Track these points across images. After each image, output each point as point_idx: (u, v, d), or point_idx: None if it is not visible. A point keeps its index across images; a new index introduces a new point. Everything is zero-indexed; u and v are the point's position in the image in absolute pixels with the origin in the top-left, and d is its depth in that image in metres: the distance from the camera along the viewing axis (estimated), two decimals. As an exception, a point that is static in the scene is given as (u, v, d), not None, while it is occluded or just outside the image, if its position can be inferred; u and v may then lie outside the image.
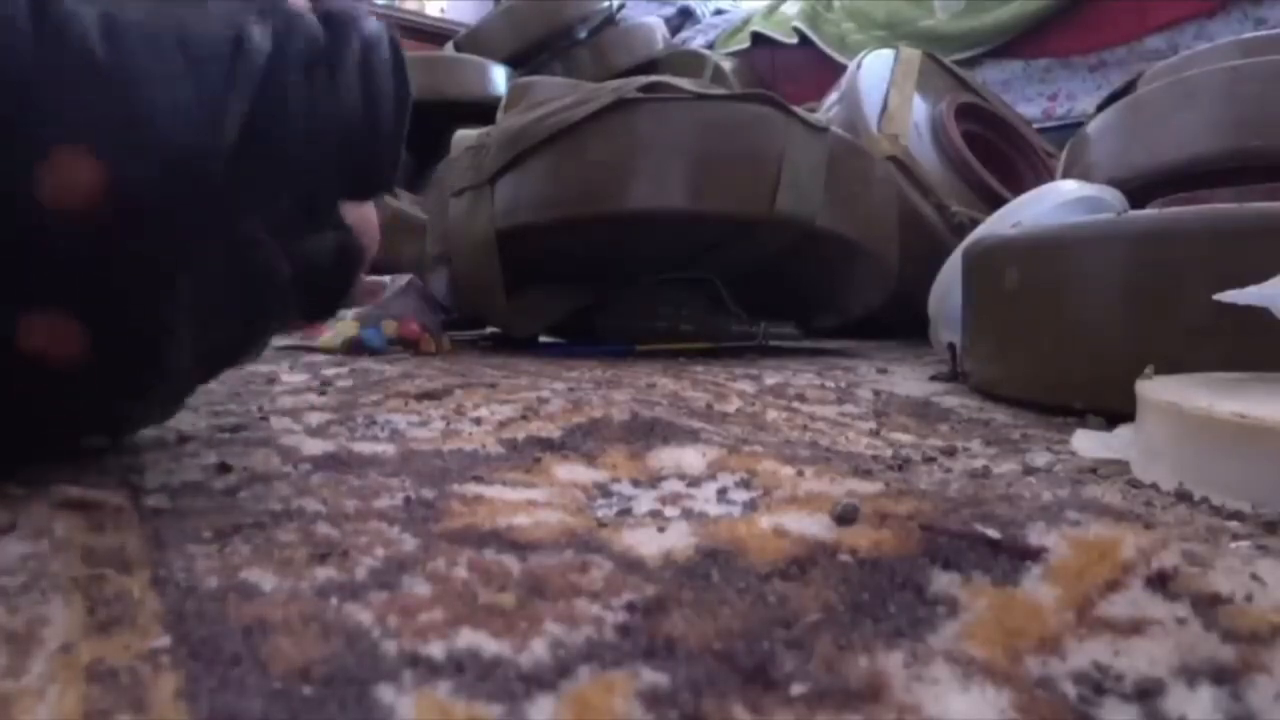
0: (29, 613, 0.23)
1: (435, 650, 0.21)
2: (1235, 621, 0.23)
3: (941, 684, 0.20)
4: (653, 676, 0.20)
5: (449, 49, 2.30)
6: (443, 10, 3.39)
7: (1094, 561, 0.27)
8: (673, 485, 0.38)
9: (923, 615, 0.24)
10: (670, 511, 0.34)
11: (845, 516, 0.31)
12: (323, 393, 0.64)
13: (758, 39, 2.33)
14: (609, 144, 0.93)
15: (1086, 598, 0.24)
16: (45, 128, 0.30)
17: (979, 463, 0.42)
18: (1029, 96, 1.82)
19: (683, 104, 0.95)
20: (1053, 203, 0.80)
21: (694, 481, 0.39)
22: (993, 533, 0.29)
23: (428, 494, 0.35)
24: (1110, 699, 0.20)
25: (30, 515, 0.31)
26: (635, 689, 0.20)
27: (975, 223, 1.00)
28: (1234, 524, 0.32)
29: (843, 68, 1.55)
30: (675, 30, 2.63)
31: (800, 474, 0.39)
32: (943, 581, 0.26)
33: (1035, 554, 0.27)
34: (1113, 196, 0.81)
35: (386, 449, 0.44)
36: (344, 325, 1.01)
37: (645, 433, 0.48)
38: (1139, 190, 0.85)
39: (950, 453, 0.45)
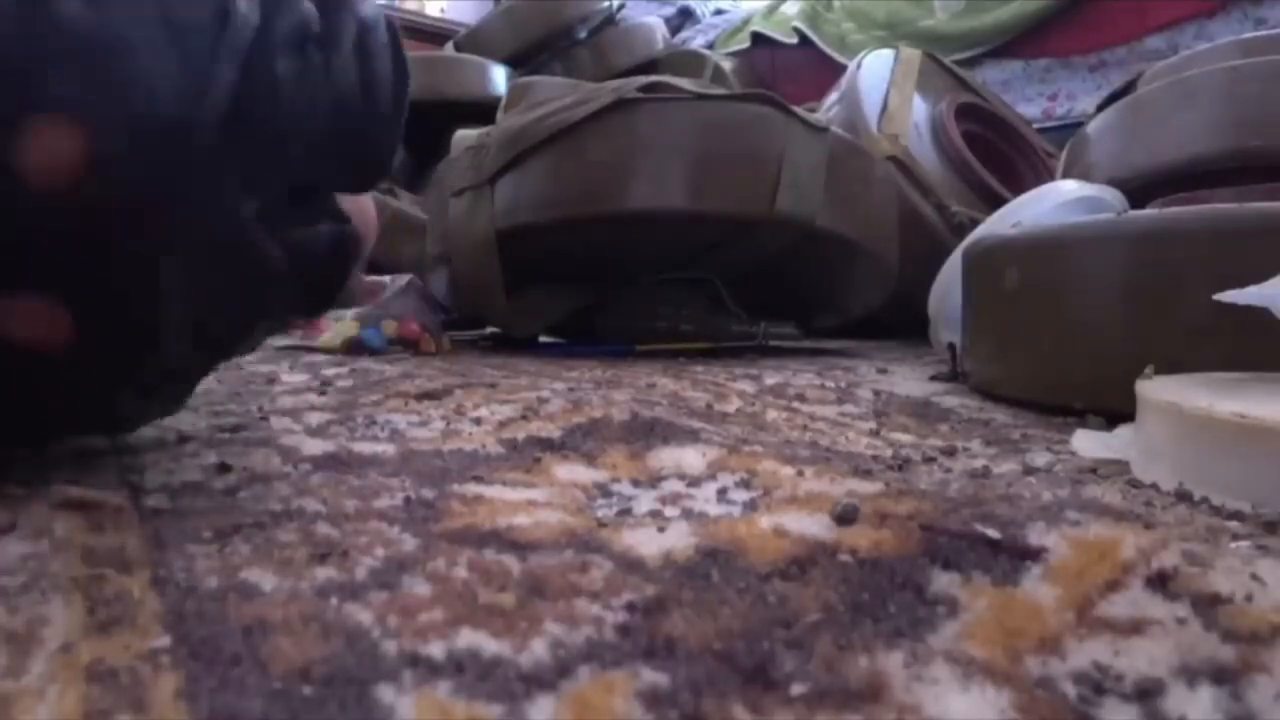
0: (29, 613, 0.23)
1: (435, 650, 0.21)
2: (1235, 621, 0.23)
3: (941, 684, 0.20)
4: (653, 676, 0.20)
5: (449, 49, 2.30)
6: (443, 10, 3.39)
7: (1094, 561, 0.27)
8: (673, 485, 0.38)
9: (923, 615, 0.24)
10: (670, 511, 0.34)
11: (845, 516, 0.31)
12: (323, 393, 0.64)
13: (758, 39, 2.33)
14: (609, 144, 0.93)
15: (1086, 598, 0.24)
16: (26, 99, 0.29)
17: (979, 463, 0.42)
18: (1029, 96, 1.82)
19: (683, 104, 0.95)
20: (1053, 203, 0.80)
21: (694, 481, 0.39)
22: (993, 533, 0.29)
23: (428, 494, 0.35)
24: (1110, 699, 0.20)
25: (30, 515, 0.31)
26: (635, 689, 0.20)
27: (975, 223, 1.00)
28: (1234, 524, 0.32)
29: (843, 68, 1.55)
30: (675, 30, 2.63)
31: (800, 474, 0.39)
32: (943, 581, 0.26)
33: (1035, 554, 0.27)
34: (1113, 196, 0.81)
35: (386, 449, 0.44)
36: (344, 325, 1.01)
37: (645, 433, 0.48)
38: (1139, 190, 0.85)
39: (950, 453, 0.45)
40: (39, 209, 0.30)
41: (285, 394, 0.63)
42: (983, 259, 0.69)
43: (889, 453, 0.45)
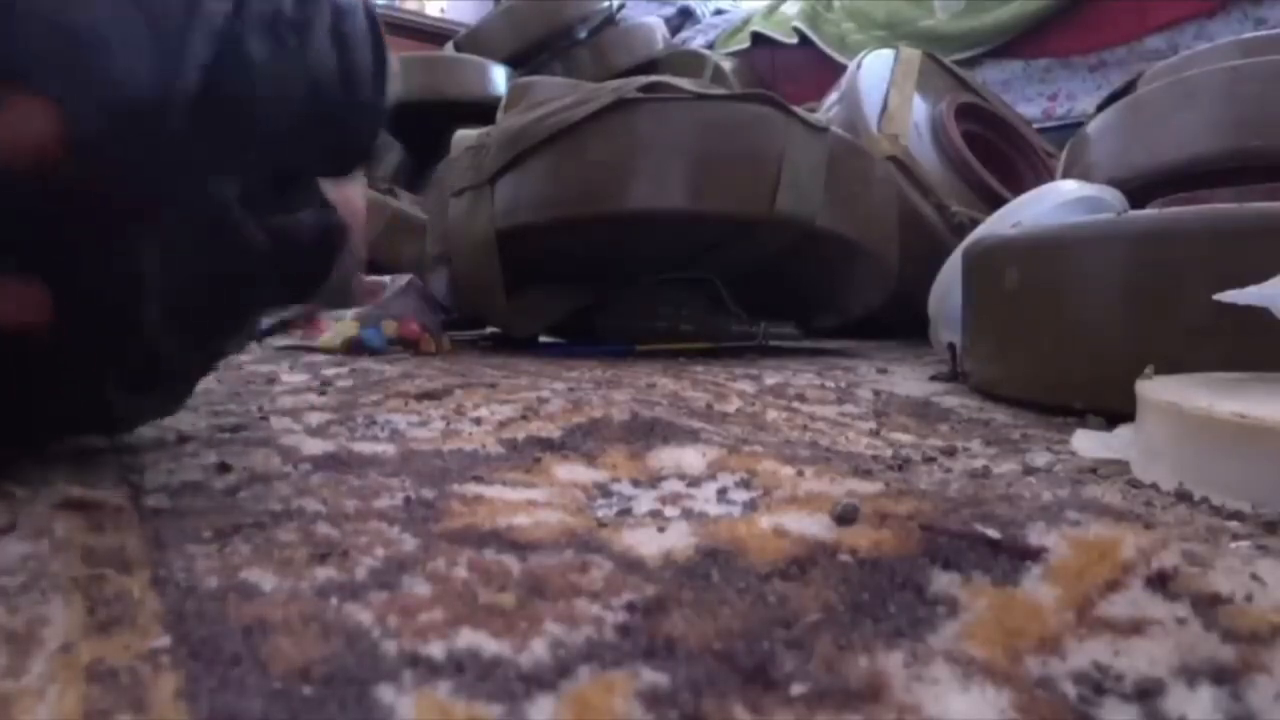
0: (29, 613, 0.23)
1: (435, 650, 0.21)
2: (1235, 621, 0.23)
3: (941, 684, 0.20)
4: (653, 676, 0.20)
5: (449, 49, 2.30)
6: (443, 10, 3.39)
7: (1094, 561, 0.27)
8: (673, 485, 0.38)
9: (923, 615, 0.24)
10: (670, 511, 0.34)
11: (845, 516, 0.31)
12: (323, 393, 0.64)
13: (758, 39, 2.33)
14: (609, 144, 0.93)
15: (1086, 598, 0.24)
16: None
17: (979, 463, 0.42)
18: (1029, 96, 1.82)
19: (683, 104, 0.95)
20: (1053, 203, 0.80)
21: (694, 481, 0.39)
22: (993, 533, 0.29)
23: (428, 494, 0.35)
24: (1110, 699, 0.20)
25: (30, 515, 0.31)
26: (635, 689, 0.20)
27: (975, 223, 1.00)
28: (1234, 524, 0.32)
29: (843, 68, 1.55)
30: (675, 30, 2.63)
31: (800, 474, 0.39)
32: (943, 581, 0.26)
33: (1035, 554, 0.27)
34: (1113, 196, 0.81)
35: (386, 449, 0.44)
36: (344, 325, 1.01)
37: (645, 433, 0.48)
38: (1139, 190, 0.85)
39: (950, 453, 0.45)
40: (14, 188, 0.30)
41: (285, 394, 0.63)
42: (983, 259, 0.69)
43: (889, 453, 0.45)
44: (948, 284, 0.82)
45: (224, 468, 0.39)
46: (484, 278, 0.98)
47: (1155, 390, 0.40)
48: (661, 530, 0.31)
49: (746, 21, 2.43)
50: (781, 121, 0.94)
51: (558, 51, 2.22)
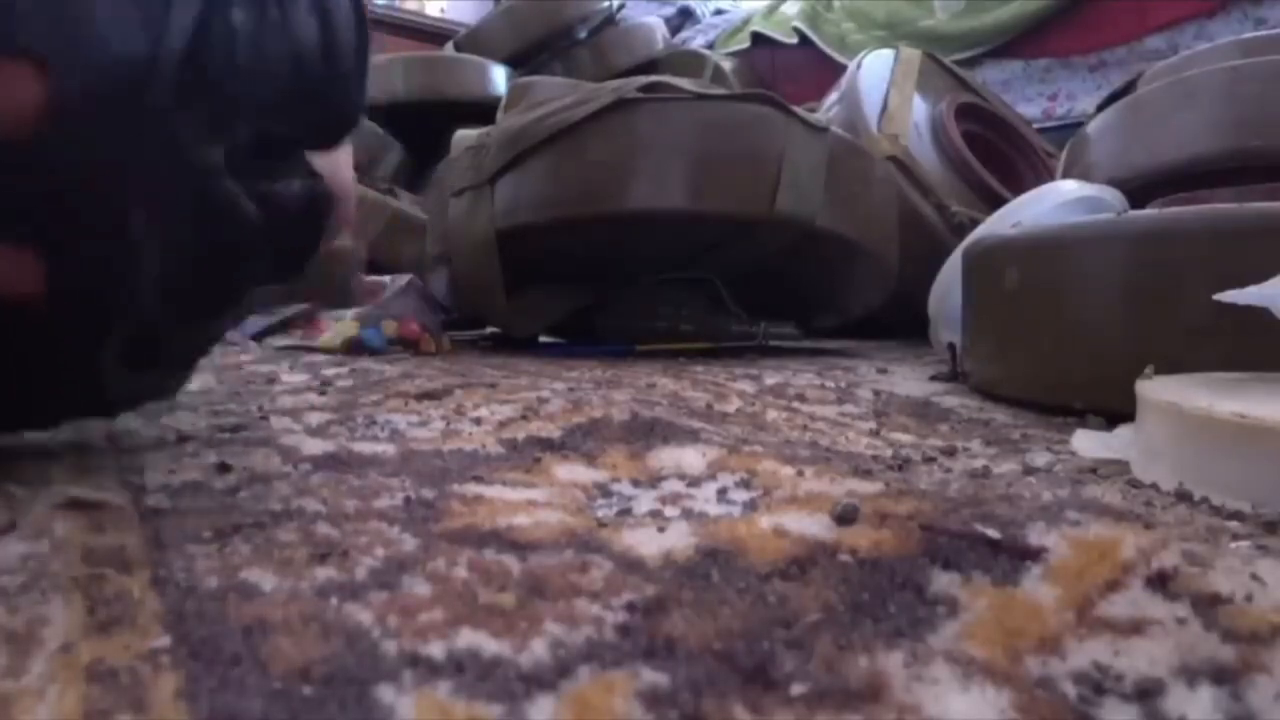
0: (29, 613, 0.23)
1: (435, 650, 0.21)
2: (1235, 621, 0.23)
3: (941, 684, 0.20)
4: (653, 676, 0.20)
5: (449, 49, 2.30)
6: (443, 10, 3.39)
7: (1094, 561, 0.27)
8: (673, 485, 0.38)
9: (923, 615, 0.24)
10: (670, 511, 0.34)
11: (845, 516, 0.31)
12: (323, 393, 0.64)
13: (758, 39, 2.33)
14: (609, 144, 0.93)
15: (1086, 598, 0.24)
16: None
17: (979, 463, 0.42)
18: (1029, 96, 1.82)
19: (683, 104, 0.95)
20: (1053, 203, 0.80)
21: (694, 481, 0.39)
22: (993, 533, 0.29)
23: (428, 494, 0.35)
24: (1110, 699, 0.20)
25: (30, 515, 0.31)
26: (635, 689, 0.20)
27: (975, 223, 1.00)
28: (1234, 524, 0.32)
29: (843, 68, 1.55)
30: (675, 30, 2.63)
31: (800, 474, 0.39)
32: (943, 581, 0.26)
33: (1035, 554, 0.27)
34: (1113, 196, 0.81)
35: (386, 449, 0.44)
36: (344, 325, 1.01)
37: (645, 433, 0.48)
38: (1139, 190, 0.85)
39: (950, 453, 0.45)
40: (1, 154, 0.30)
41: (285, 394, 0.63)
42: (983, 259, 0.69)
43: (889, 453, 0.45)
44: (948, 284, 0.82)
45: (224, 468, 0.39)
46: (484, 278, 0.98)
47: (1155, 390, 0.40)
48: (661, 530, 0.31)
49: (746, 21, 2.44)
50: (781, 121, 0.94)
51: (558, 51, 2.22)
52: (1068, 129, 1.48)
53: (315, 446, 0.44)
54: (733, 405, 0.60)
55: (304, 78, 0.36)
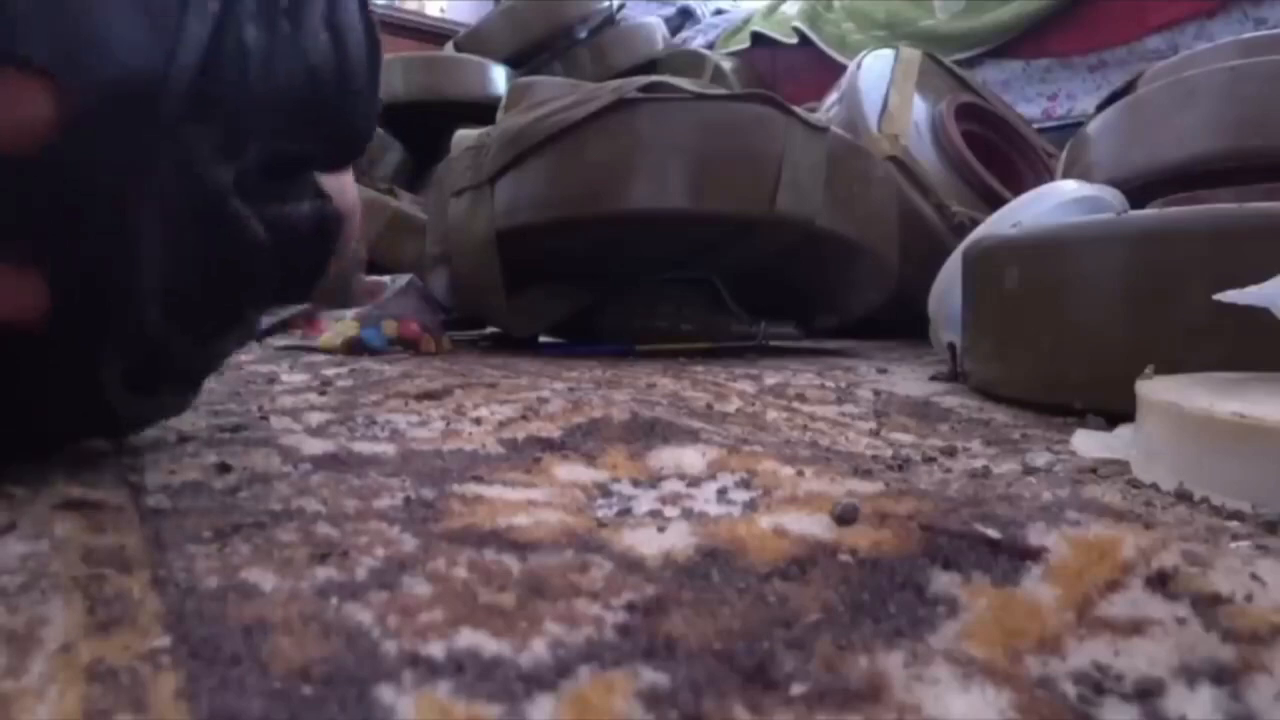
0: (29, 613, 0.23)
1: (435, 650, 0.21)
2: (1235, 621, 0.23)
3: (941, 684, 0.20)
4: (653, 676, 0.20)
5: (449, 49, 2.30)
6: (443, 10, 3.39)
7: (1094, 561, 0.27)
8: (673, 485, 0.38)
9: (923, 615, 0.24)
10: (670, 511, 0.34)
11: (845, 516, 0.31)
12: (323, 393, 0.64)
13: (758, 39, 2.33)
14: (609, 144, 0.93)
15: (1086, 598, 0.24)
16: None
17: (979, 463, 0.42)
18: (1029, 96, 1.82)
19: (683, 104, 0.95)
20: (1053, 203, 0.80)
21: (694, 481, 0.39)
22: (993, 533, 0.29)
23: (428, 494, 0.35)
24: (1110, 699, 0.20)
25: (30, 515, 0.31)
26: (635, 689, 0.20)
27: (975, 223, 1.00)
28: (1234, 524, 0.32)
29: (843, 68, 1.55)
30: (675, 30, 2.63)
31: (800, 474, 0.39)
32: (943, 581, 0.26)
33: (1035, 554, 0.27)
34: (1113, 196, 0.81)
35: (386, 449, 0.44)
36: (344, 325, 1.01)
37: (645, 433, 0.48)
38: (1139, 190, 0.85)
39: (950, 453, 0.45)
40: (7, 170, 0.30)
41: (285, 394, 0.63)
42: (983, 259, 0.69)
43: (889, 453, 0.45)
44: (948, 284, 0.82)
45: (224, 468, 0.39)
46: (484, 278, 0.98)
47: (1155, 390, 0.40)
48: (661, 530, 0.31)
49: (746, 21, 2.44)
50: (781, 121, 0.94)
51: (558, 51, 2.22)
52: (1068, 129, 1.48)
53: (315, 446, 0.44)
54: (733, 405, 0.60)
55: (316, 95, 0.36)
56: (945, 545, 0.28)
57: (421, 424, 0.51)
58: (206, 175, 0.33)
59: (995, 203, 1.10)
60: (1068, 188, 0.83)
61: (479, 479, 0.38)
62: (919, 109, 1.41)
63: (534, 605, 0.24)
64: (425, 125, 1.80)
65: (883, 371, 0.85)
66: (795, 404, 0.62)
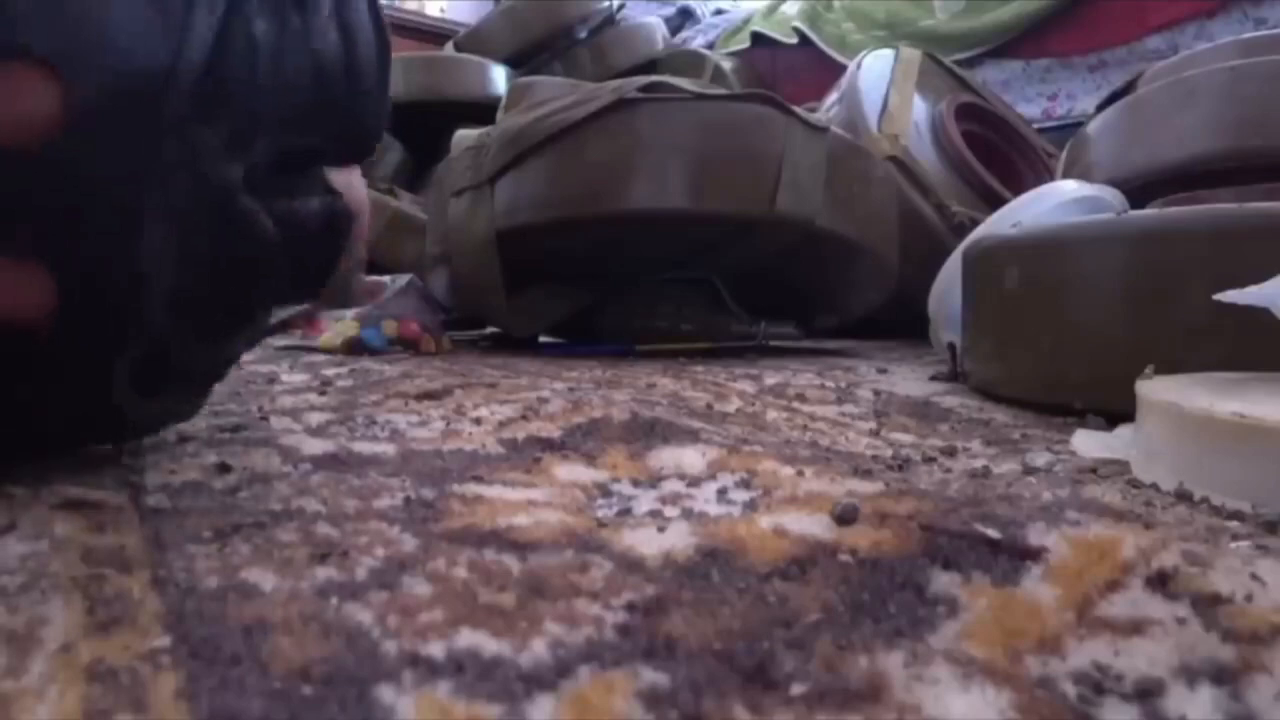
0: (29, 613, 0.23)
1: (435, 650, 0.21)
2: (1235, 621, 0.23)
3: (941, 684, 0.20)
4: (653, 676, 0.20)
5: (449, 49, 2.30)
6: (443, 10, 3.39)
7: (1094, 561, 0.27)
8: (673, 485, 0.38)
9: (923, 615, 0.24)
10: (670, 511, 0.34)
11: (845, 516, 0.31)
12: (323, 393, 0.64)
13: (758, 39, 2.33)
14: (609, 144, 0.93)
15: (1086, 598, 0.24)
16: None
17: (979, 463, 0.42)
18: (1029, 96, 1.82)
19: (683, 104, 0.95)
20: (1053, 203, 0.80)
21: (694, 481, 0.39)
22: (993, 533, 0.29)
23: (428, 494, 0.35)
24: (1110, 699, 0.20)
25: (30, 515, 0.31)
26: (635, 689, 0.20)
27: (975, 223, 1.00)
28: (1234, 524, 0.32)
29: (843, 68, 1.55)
30: (675, 30, 2.63)
31: (800, 474, 0.39)
32: (943, 581, 0.26)
33: (1035, 554, 0.27)
34: (1113, 196, 0.81)
35: (386, 449, 0.44)
36: (344, 325, 1.01)
37: (645, 433, 0.48)
38: (1139, 190, 0.85)
39: (950, 453, 0.45)
40: (13, 165, 0.29)
41: (285, 394, 0.63)
42: (983, 259, 0.69)
43: (889, 453, 0.45)
44: (948, 284, 0.82)
45: (224, 468, 0.39)
46: (484, 278, 0.98)
47: (1155, 390, 0.40)
48: (661, 530, 0.31)
49: (746, 21, 2.44)
50: (781, 121, 0.94)
51: (558, 51, 2.22)
52: (1068, 129, 1.48)
53: (315, 446, 0.44)
54: (733, 405, 0.60)
55: (325, 91, 0.35)
56: (945, 545, 0.28)
57: (421, 424, 0.51)
58: (214, 171, 0.33)
59: (995, 203, 1.10)
60: (1068, 188, 0.83)
61: (479, 479, 0.38)
62: (919, 109, 1.41)
63: (534, 605, 0.24)
64: (425, 125, 1.80)
65: (883, 371, 0.85)
66: (795, 404, 0.62)
